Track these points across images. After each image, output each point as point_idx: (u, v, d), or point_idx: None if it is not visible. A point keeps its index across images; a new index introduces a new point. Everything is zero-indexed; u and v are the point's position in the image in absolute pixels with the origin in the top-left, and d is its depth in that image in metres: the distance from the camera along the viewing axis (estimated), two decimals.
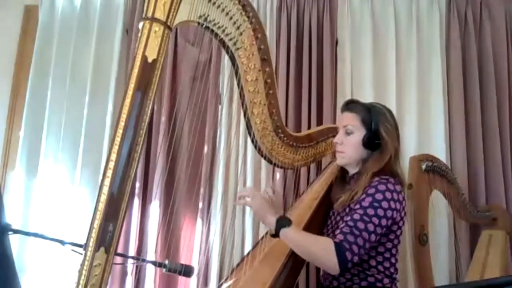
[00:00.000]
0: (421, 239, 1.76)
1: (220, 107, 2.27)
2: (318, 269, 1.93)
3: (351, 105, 1.53)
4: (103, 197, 0.92)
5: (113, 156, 0.94)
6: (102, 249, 0.90)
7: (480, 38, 2.30)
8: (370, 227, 1.28)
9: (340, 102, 2.15)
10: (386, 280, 1.38)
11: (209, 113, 2.25)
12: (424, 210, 1.81)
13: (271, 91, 1.41)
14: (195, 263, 2.10)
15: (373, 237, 1.29)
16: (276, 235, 1.35)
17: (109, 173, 0.93)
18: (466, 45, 2.29)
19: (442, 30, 2.27)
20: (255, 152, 1.53)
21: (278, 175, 2.16)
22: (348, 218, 1.32)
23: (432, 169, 1.84)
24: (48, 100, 2.31)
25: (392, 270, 1.40)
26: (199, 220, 2.18)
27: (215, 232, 2.13)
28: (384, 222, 1.30)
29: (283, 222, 1.34)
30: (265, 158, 1.53)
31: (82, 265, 0.89)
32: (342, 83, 2.26)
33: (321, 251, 1.28)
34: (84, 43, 2.37)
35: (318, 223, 1.54)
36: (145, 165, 2.21)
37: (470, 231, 2.12)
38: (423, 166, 1.81)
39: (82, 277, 0.88)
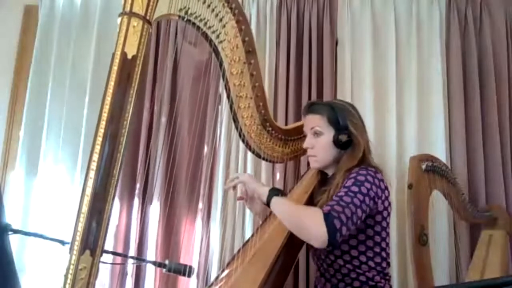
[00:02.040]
0: (421, 239, 1.76)
1: (220, 107, 2.27)
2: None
3: (312, 107, 1.49)
4: (86, 199, 0.89)
5: (95, 157, 0.91)
6: (87, 252, 0.87)
7: (480, 38, 2.30)
8: (356, 201, 1.25)
9: None
10: (377, 278, 1.37)
11: (209, 113, 2.25)
12: (424, 210, 1.81)
13: (257, 84, 1.39)
14: (195, 263, 2.10)
15: (359, 212, 1.25)
16: (268, 204, 1.35)
17: (92, 174, 0.90)
18: (466, 45, 2.28)
19: (442, 30, 2.26)
20: None
21: (278, 175, 2.16)
22: (333, 197, 1.30)
23: (432, 169, 1.83)
24: (48, 100, 2.31)
25: (384, 265, 1.39)
26: (199, 220, 2.18)
27: (215, 232, 2.13)
28: (367, 200, 1.27)
29: (275, 191, 1.35)
30: (253, 152, 1.53)
31: (68, 269, 0.87)
32: (342, 83, 2.25)
33: (310, 219, 1.22)
34: (84, 42, 2.37)
35: None
36: (145, 165, 2.21)
37: (470, 231, 2.12)
38: (423, 166, 1.81)
39: (68, 281, 0.86)
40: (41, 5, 2.42)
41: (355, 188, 1.28)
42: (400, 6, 2.31)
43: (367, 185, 1.29)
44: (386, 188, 1.37)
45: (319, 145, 1.45)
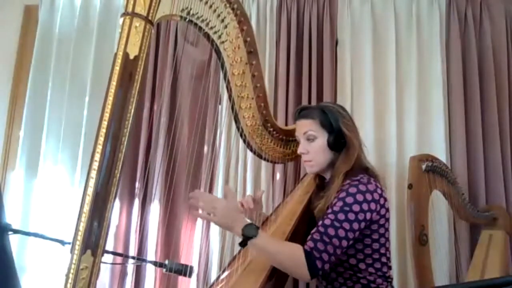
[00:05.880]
0: (421, 239, 1.76)
1: (220, 107, 2.27)
2: None
3: (303, 112, 1.48)
4: (88, 199, 0.89)
5: (97, 156, 0.91)
6: (88, 251, 0.87)
7: (480, 38, 2.30)
8: (341, 232, 1.24)
9: (340, 102, 2.14)
10: (379, 280, 1.36)
11: (209, 113, 2.25)
12: (424, 210, 1.82)
13: (258, 85, 1.39)
14: (195, 263, 2.10)
15: (344, 242, 1.24)
16: (245, 244, 1.27)
17: (93, 174, 0.90)
18: (466, 45, 2.28)
19: (442, 30, 2.26)
20: None
21: (278, 175, 2.16)
22: (320, 223, 1.28)
23: (432, 169, 1.84)
24: (48, 100, 2.31)
25: (384, 269, 1.38)
26: (199, 220, 2.18)
27: (215, 232, 2.13)
28: (356, 226, 1.26)
29: (249, 231, 1.24)
30: (255, 153, 1.52)
31: (69, 268, 0.87)
32: (342, 83, 2.25)
33: (291, 261, 1.23)
34: (84, 42, 2.37)
35: (303, 231, 1.47)
36: (145, 165, 2.21)
37: (470, 231, 2.12)
38: (423, 166, 1.81)
39: (69, 281, 0.86)
40: (41, 5, 2.42)
41: (341, 216, 1.26)
42: (400, 6, 2.31)
43: (356, 208, 1.27)
44: (381, 195, 1.33)
45: (314, 149, 1.43)
